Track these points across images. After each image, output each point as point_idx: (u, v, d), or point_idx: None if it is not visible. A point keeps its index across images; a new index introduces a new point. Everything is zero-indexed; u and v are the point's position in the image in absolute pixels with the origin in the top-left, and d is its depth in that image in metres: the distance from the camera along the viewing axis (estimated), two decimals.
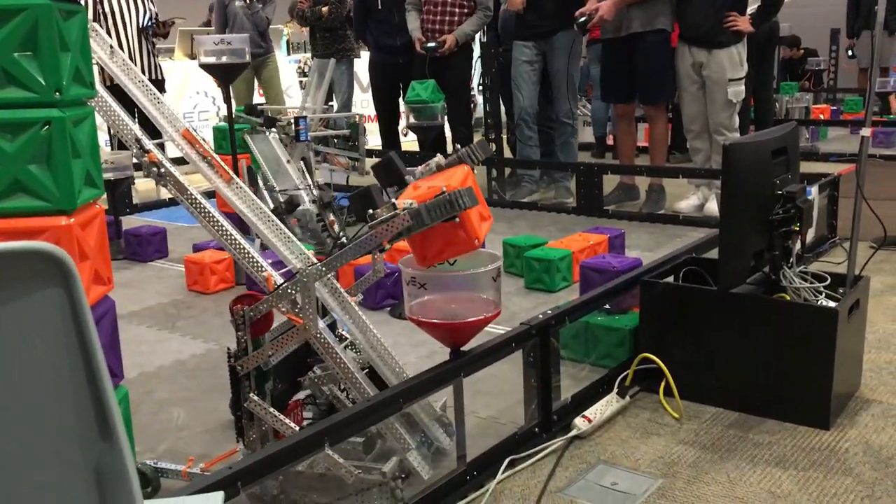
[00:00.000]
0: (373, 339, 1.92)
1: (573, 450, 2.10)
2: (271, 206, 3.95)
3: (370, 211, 1.64)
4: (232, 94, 6.82)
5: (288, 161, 4.11)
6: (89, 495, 0.69)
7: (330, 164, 4.31)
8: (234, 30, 6.42)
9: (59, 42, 1.31)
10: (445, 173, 1.78)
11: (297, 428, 1.83)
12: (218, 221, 1.83)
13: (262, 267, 1.84)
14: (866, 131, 2.34)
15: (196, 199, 1.82)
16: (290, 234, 1.90)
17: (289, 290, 1.75)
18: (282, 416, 1.82)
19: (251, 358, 1.80)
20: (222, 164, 1.89)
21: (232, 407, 2.29)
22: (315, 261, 1.83)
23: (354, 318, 1.90)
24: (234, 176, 1.90)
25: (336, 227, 3.93)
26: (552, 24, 5.08)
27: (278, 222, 1.91)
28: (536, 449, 2.07)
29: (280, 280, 1.83)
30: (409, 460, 1.84)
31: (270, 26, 6.82)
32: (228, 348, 1.83)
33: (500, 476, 1.96)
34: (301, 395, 1.95)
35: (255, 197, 1.91)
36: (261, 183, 4.06)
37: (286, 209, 3.87)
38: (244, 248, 1.83)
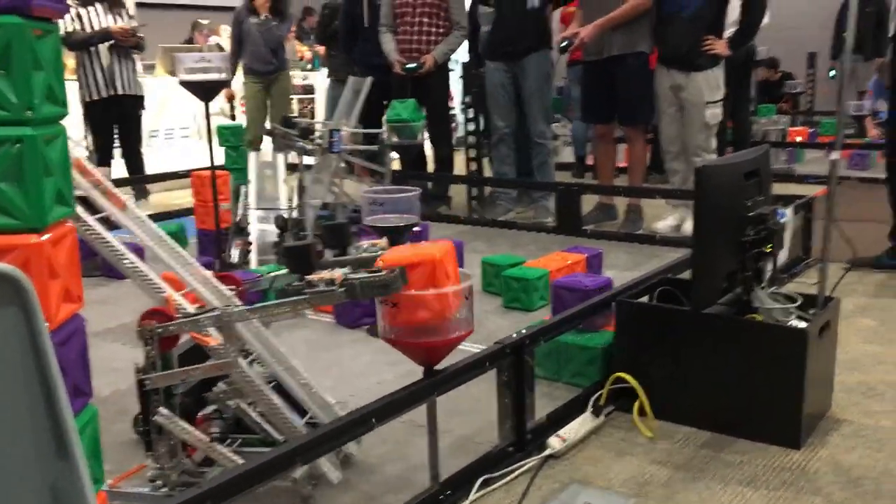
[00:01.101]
0: (283, 360, 1.97)
1: (547, 469, 2.10)
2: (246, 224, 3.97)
3: (306, 277, 1.69)
4: (243, 109, 6.84)
5: (285, 180, 4.14)
6: None
7: (357, 176, 4.37)
8: (248, 46, 6.47)
9: (32, 61, 1.31)
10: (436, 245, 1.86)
11: (208, 440, 1.86)
12: (110, 243, 1.85)
13: (160, 288, 1.87)
14: (836, 154, 2.37)
15: (87, 223, 1.84)
16: (191, 260, 1.95)
17: (202, 323, 1.78)
18: (191, 429, 1.83)
19: (163, 377, 1.82)
20: (116, 192, 1.93)
21: (134, 423, 2.29)
22: (236, 301, 1.88)
23: (264, 342, 1.94)
24: (129, 204, 1.95)
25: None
26: (521, 45, 5.13)
27: (178, 248, 1.96)
28: (510, 468, 2.08)
29: (181, 302, 1.87)
30: (317, 466, 1.89)
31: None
32: (136, 364, 1.86)
33: (473, 495, 1.96)
34: (208, 409, 1.99)
35: (151, 224, 1.96)
36: (241, 200, 4.08)
37: (234, 231, 3.89)
38: (139, 269, 1.87)
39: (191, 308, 1.87)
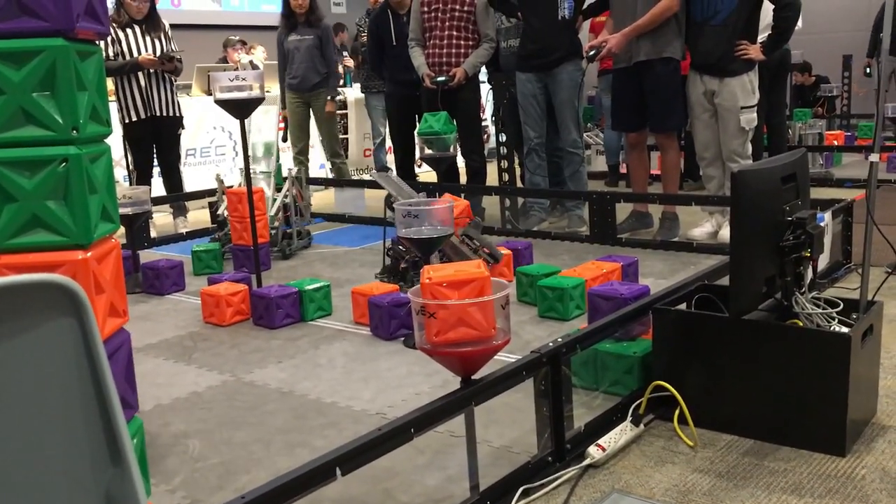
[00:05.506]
0: None
1: (587, 479, 2.09)
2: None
3: None
4: (288, 128, 6.92)
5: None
6: None
7: None
8: (293, 64, 6.58)
9: (77, 82, 1.35)
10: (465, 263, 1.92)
11: None
12: None
13: None
14: (875, 157, 2.34)
15: None
16: None
17: None
18: None
19: None
20: None
21: None
22: None
23: None
24: None
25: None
26: (552, 56, 5.14)
27: None
28: (550, 478, 2.07)
29: None
30: None
31: None
32: None
33: None
34: None
35: None
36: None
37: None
38: None
39: None
